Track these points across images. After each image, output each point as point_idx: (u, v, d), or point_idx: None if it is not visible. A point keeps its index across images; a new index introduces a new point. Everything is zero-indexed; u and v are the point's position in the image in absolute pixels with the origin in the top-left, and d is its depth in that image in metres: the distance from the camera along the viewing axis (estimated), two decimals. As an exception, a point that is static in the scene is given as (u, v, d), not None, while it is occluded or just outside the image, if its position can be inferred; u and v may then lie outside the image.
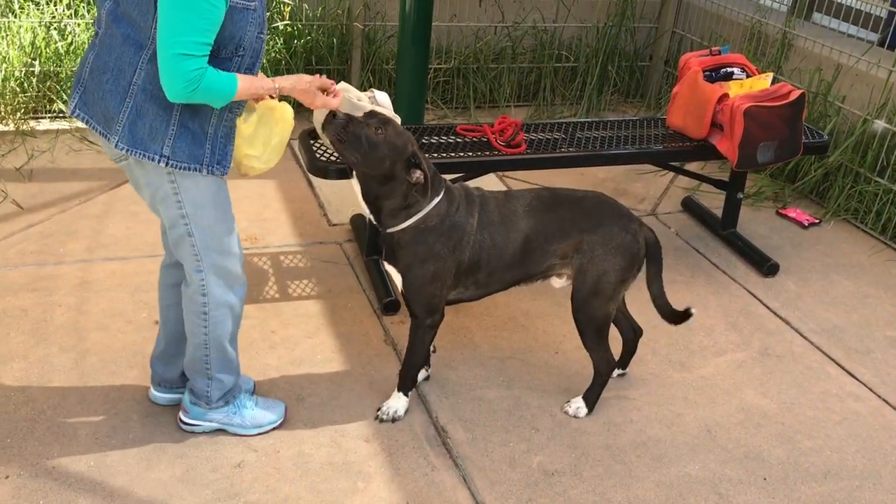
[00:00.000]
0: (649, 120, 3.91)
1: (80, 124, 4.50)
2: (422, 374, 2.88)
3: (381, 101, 3.05)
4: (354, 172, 2.54)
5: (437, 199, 2.53)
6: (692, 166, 4.60)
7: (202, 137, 2.21)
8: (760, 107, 3.42)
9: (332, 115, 2.40)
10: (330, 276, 3.47)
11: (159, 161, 2.16)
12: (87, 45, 4.44)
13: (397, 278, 2.64)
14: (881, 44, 4.90)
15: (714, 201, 4.29)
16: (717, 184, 4.07)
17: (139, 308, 3.14)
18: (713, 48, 3.78)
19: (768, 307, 3.56)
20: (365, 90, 3.03)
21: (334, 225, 3.88)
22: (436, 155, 3.29)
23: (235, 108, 2.27)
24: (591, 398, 2.83)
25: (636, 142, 3.63)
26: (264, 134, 2.39)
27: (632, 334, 2.98)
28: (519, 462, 2.61)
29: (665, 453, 2.70)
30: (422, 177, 2.47)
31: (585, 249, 2.64)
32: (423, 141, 3.40)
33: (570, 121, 3.78)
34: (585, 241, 2.64)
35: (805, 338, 3.38)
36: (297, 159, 4.47)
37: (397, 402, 2.72)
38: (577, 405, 2.82)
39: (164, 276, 2.58)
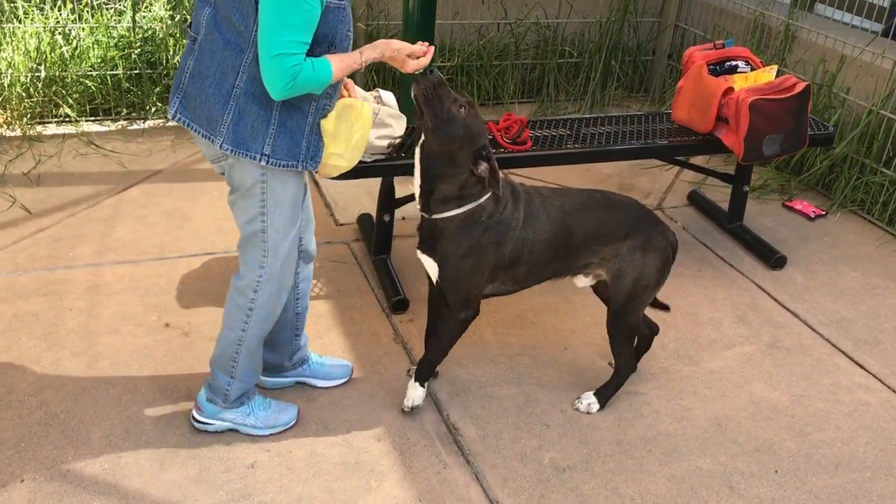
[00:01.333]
0: (654, 115, 3.91)
1: (87, 128, 4.55)
2: None
3: (387, 101, 3.06)
4: (420, 144, 2.49)
5: (488, 194, 2.53)
6: (697, 160, 4.60)
7: (299, 135, 2.27)
8: (765, 100, 3.42)
9: (429, 70, 2.42)
10: (338, 276, 3.48)
11: (261, 159, 2.22)
12: (110, 48, 4.49)
13: (432, 268, 2.61)
14: (885, 34, 4.90)
15: (720, 195, 4.29)
16: (723, 177, 4.07)
17: (149, 311, 3.15)
18: (717, 42, 3.77)
19: (776, 300, 3.56)
20: (370, 90, 3.04)
21: (341, 224, 3.89)
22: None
23: (327, 103, 2.32)
24: (605, 395, 2.83)
25: (641, 137, 3.63)
26: (345, 131, 2.44)
27: (647, 331, 2.99)
28: (531, 458, 2.62)
29: (676, 447, 2.71)
30: (487, 170, 2.45)
31: (625, 253, 2.67)
32: (429, 139, 3.40)
33: (575, 117, 3.78)
34: (628, 245, 2.67)
35: (814, 330, 3.38)
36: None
37: (414, 392, 2.73)
38: (589, 401, 2.83)
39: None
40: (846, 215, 4.33)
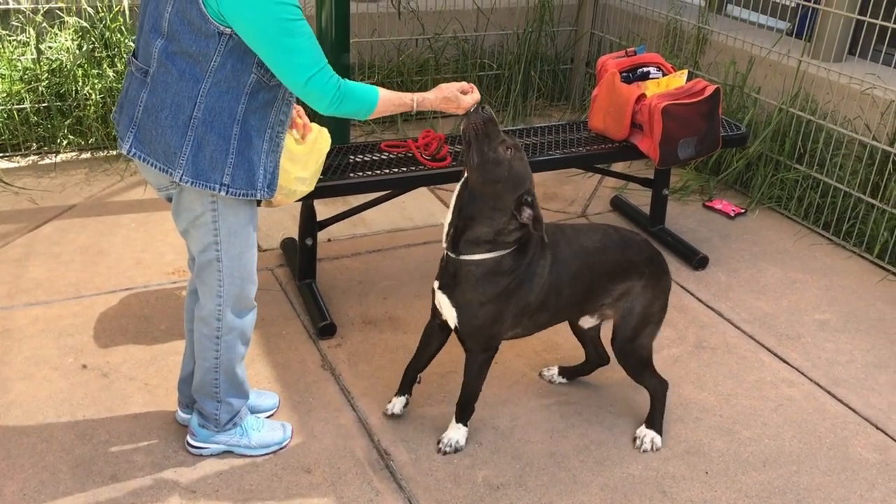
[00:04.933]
0: (573, 124, 3.94)
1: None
2: (400, 404, 2.82)
3: None
4: (462, 180, 2.43)
5: (516, 246, 2.44)
6: (618, 166, 4.67)
7: (256, 163, 2.25)
8: (677, 104, 3.48)
9: (481, 106, 2.40)
10: (262, 304, 3.41)
11: (220, 190, 2.21)
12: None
13: (448, 310, 2.53)
14: (791, 33, 5.05)
15: (642, 199, 4.35)
16: (643, 182, 4.13)
17: (65, 353, 3.04)
18: (629, 49, 3.83)
19: (700, 300, 3.62)
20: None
21: (264, 250, 3.82)
22: (361, 174, 3.27)
23: (280, 130, 2.31)
24: (658, 422, 2.78)
25: (561, 147, 3.66)
26: (315, 157, 2.48)
27: (595, 359, 3.00)
28: (464, 478, 2.60)
29: (608, 456, 2.72)
30: (531, 217, 2.36)
31: (637, 293, 2.67)
32: (349, 160, 3.37)
33: (495, 130, 3.79)
34: (641, 285, 2.67)
35: (738, 328, 3.44)
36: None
37: (457, 433, 2.68)
38: (651, 436, 2.75)
39: (190, 301, 2.59)
40: (764, 212, 4.44)
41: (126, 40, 4.57)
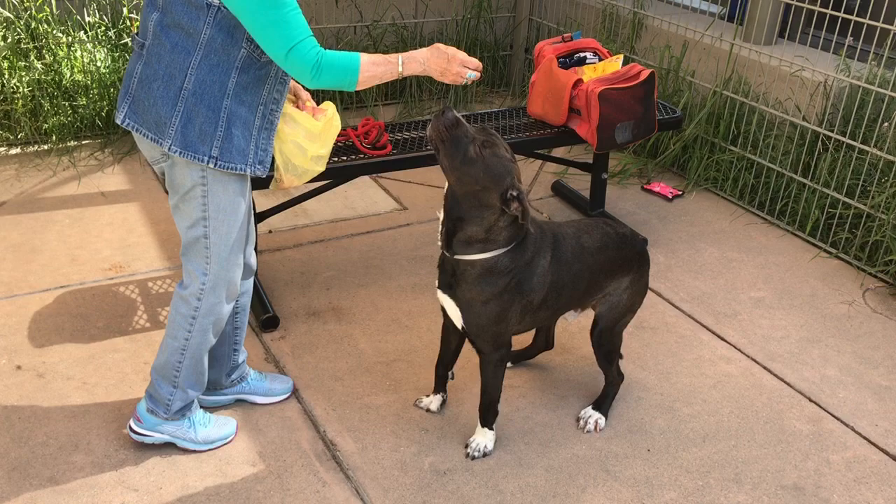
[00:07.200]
0: (513, 110, 3.96)
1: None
2: (437, 402, 2.82)
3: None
4: (447, 182, 2.39)
5: (513, 242, 2.40)
6: (558, 151, 4.72)
7: (248, 138, 2.26)
8: (613, 89, 3.52)
9: (442, 110, 2.30)
10: (204, 298, 3.36)
11: (208, 162, 2.21)
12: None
13: (453, 310, 2.51)
14: (724, 17, 5.15)
15: (582, 183, 4.40)
16: (582, 166, 4.18)
17: (-2, 354, 2.96)
18: (565, 35, 3.86)
19: (641, 282, 3.68)
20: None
21: (205, 244, 3.76)
22: (300, 164, 3.23)
23: (274, 108, 2.31)
24: (605, 406, 2.84)
25: (501, 133, 3.67)
26: (332, 133, 2.50)
27: (542, 344, 3.05)
28: (410, 465, 2.61)
29: (552, 437, 2.76)
30: (519, 209, 2.29)
31: (625, 287, 2.71)
32: (287, 151, 3.33)
33: (435, 117, 3.79)
34: (629, 280, 2.72)
35: (677, 307, 3.51)
36: (158, 178, 4.31)
37: (484, 438, 2.66)
38: (595, 417, 2.79)
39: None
40: (701, 193, 4.53)
41: (53, 31, 4.44)
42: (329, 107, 2.57)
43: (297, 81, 2.33)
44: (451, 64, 2.32)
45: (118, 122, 2.29)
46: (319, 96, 5.10)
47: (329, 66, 2.17)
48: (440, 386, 2.84)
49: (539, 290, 2.50)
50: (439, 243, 2.48)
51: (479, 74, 2.37)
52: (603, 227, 2.73)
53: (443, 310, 2.64)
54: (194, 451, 2.59)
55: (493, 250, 2.38)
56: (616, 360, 2.82)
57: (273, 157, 2.47)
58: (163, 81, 2.19)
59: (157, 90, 2.19)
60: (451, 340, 2.75)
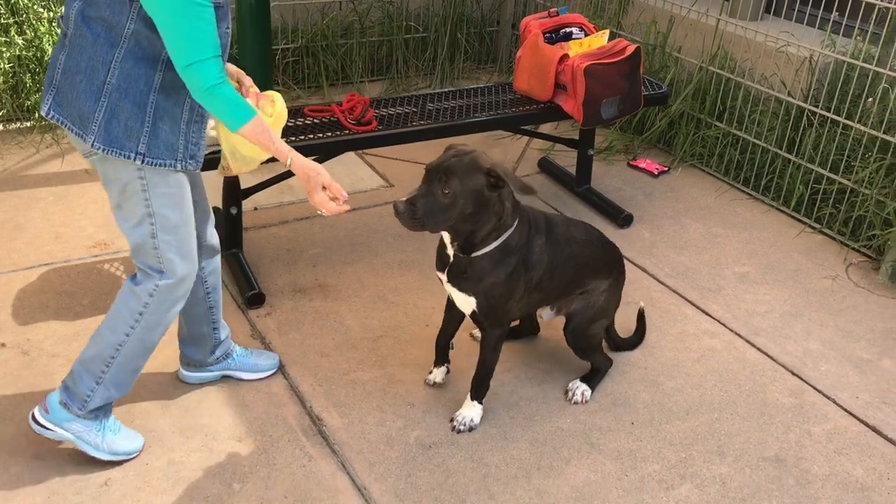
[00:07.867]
0: (500, 86, 3.95)
1: None
2: (441, 374, 2.86)
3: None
4: None
5: (517, 221, 2.48)
6: (545, 128, 4.71)
7: (176, 132, 2.19)
8: (599, 64, 3.52)
9: (395, 210, 2.32)
10: (189, 275, 3.35)
11: (135, 158, 2.14)
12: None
13: (464, 299, 2.54)
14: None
15: (568, 160, 4.40)
16: (569, 143, 4.17)
17: (-18, 332, 2.95)
18: (551, 10, 3.84)
19: (626, 257, 3.68)
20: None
21: (190, 221, 3.75)
22: (286, 139, 3.21)
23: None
24: (594, 382, 2.88)
25: (487, 109, 3.66)
26: (280, 123, 2.50)
27: (528, 329, 3.10)
28: (396, 440, 2.62)
29: (537, 411, 2.78)
30: (502, 173, 2.33)
31: (603, 289, 2.78)
32: (271, 127, 3.31)
33: (422, 93, 3.77)
34: (608, 282, 2.79)
35: (661, 283, 3.53)
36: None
37: (471, 411, 2.69)
38: (582, 388, 2.83)
39: None
40: (687, 169, 4.54)
41: (35, 6, 4.39)
42: (275, 96, 2.52)
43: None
44: (312, 193, 2.32)
45: (43, 113, 2.21)
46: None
47: (221, 99, 2.12)
48: (443, 358, 2.86)
49: (538, 268, 2.57)
50: (449, 252, 2.50)
51: (343, 209, 2.35)
52: (585, 225, 2.83)
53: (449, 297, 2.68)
54: (92, 456, 2.42)
55: (502, 235, 2.46)
56: (595, 353, 2.88)
57: (220, 146, 2.46)
58: (85, 75, 2.10)
59: (80, 84, 2.11)
60: (455, 315, 2.78)
